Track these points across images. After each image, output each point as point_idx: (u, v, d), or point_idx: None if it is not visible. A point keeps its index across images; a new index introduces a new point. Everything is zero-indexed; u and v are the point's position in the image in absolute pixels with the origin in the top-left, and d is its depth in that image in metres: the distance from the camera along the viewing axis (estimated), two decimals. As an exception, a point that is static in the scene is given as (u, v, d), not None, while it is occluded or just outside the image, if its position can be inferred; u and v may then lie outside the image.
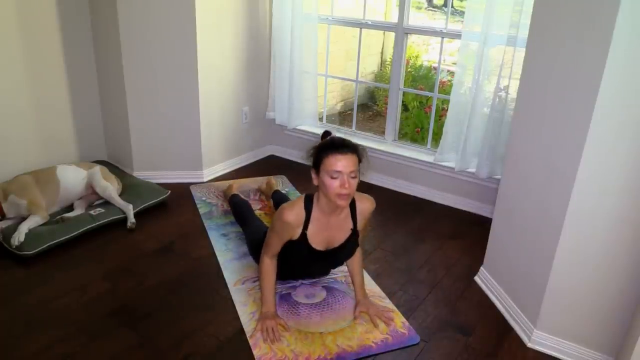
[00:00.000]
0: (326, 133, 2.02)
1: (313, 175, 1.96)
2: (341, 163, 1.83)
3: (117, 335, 2.01)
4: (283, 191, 3.26)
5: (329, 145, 1.88)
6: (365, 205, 2.09)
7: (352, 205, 2.06)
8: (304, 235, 2.02)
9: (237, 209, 2.84)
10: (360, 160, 1.90)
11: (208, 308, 2.20)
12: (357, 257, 2.22)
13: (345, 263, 2.26)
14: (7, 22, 2.84)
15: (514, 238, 2.22)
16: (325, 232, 2.05)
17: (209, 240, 2.71)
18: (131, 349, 1.94)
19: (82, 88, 3.30)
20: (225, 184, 3.36)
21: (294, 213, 1.99)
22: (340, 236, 2.08)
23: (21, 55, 2.94)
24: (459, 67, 2.98)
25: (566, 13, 1.85)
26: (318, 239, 2.05)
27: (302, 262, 2.17)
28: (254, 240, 2.41)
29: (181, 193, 3.22)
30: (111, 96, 3.33)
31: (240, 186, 3.27)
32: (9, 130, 2.97)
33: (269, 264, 2.10)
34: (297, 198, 2.08)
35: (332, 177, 1.85)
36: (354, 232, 2.09)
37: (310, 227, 2.02)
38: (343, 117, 5.40)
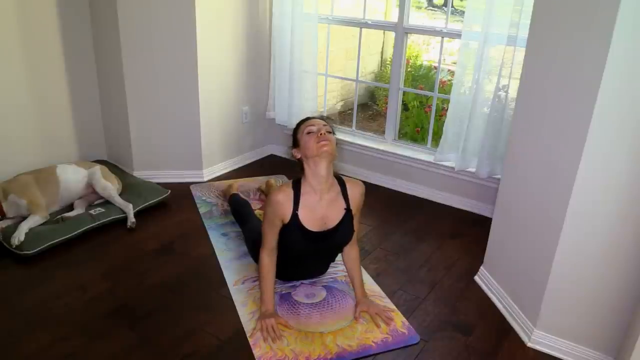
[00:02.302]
0: None
1: (295, 153, 2.08)
2: (313, 121, 2.06)
3: (117, 334, 2.01)
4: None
5: (301, 121, 2.12)
6: (356, 187, 2.15)
7: (343, 187, 2.12)
8: (295, 216, 2.03)
9: (237, 208, 2.84)
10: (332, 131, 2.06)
11: (208, 308, 2.20)
12: (354, 255, 2.22)
13: (343, 262, 2.26)
14: (7, 22, 2.84)
15: (514, 238, 2.22)
16: (317, 212, 2.06)
17: (209, 239, 2.71)
18: (131, 349, 1.94)
19: (82, 87, 3.30)
20: (225, 183, 3.36)
21: (281, 191, 2.05)
22: (334, 216, 2.09)
23: (21, 54, 2.94)
24: (459, 66, 2.98)
25: (566, 12, 1.85)
26: (311, 220, 2.06)
27: (299, 249, 2.12)
28: (252, 239, 2.41)
29: (181, 193, 3.22)
30: (111, 95, 3.33)
31: (241, 185, 3.27)
32: (9, 129, 2.97)
33: (268, 262, 2.09)
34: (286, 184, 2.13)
35: (309, 133, 2.01)
36: (348, 211, 2.10)
37: (301, 207, 2.04)
38: (343, 116, 5.40)
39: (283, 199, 2.03)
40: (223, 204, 3.08)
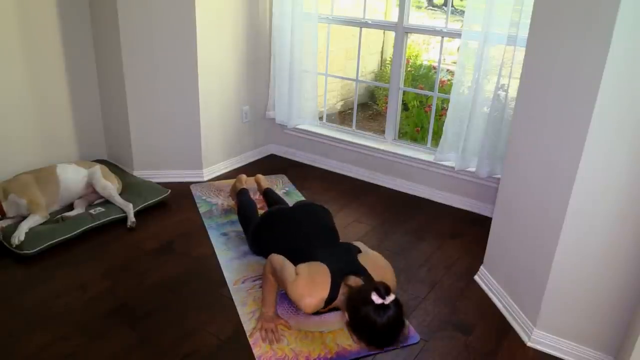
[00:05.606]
0: None
1: (341, 300, 1.90)
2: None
3: (117, 334, 2.01)
4: (283, 190, 3.26)
5: (370, 339, 1.78)
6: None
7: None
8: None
9: (243, 211, 2.73)
10: None
11: (208, 307, 2.20)
12: None
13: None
14: (7, 22, 2.84)
15: (514, 237, 2.22)
16: None
17: (209, 239, 2.71)
18: (131, 348, 1.94)
19: (82, 87, 3.30)
20: (230, 182, 3.26)
21: (316, 299, 1.90)
22: None
23: (21, 54, 2.94)
24: (458, 66, 2.98)
25: (566, 12, 1.85)
26: None
27: None
28: (253, 234, 2.42)
29: (181, 192, 3.23)
30: (111, 95, 3.33)
31: (247, 185, 3.18)
32: (10, 129, 2.97)
33: (274, 280, 2.08)
34: (320, 282, 1.93)
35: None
36: None
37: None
38: (343, 116, 5.41)
39: (312, 307, 1.91)
40: (223, 204, 3.08)
